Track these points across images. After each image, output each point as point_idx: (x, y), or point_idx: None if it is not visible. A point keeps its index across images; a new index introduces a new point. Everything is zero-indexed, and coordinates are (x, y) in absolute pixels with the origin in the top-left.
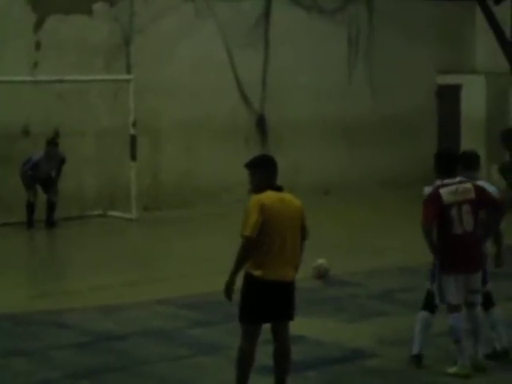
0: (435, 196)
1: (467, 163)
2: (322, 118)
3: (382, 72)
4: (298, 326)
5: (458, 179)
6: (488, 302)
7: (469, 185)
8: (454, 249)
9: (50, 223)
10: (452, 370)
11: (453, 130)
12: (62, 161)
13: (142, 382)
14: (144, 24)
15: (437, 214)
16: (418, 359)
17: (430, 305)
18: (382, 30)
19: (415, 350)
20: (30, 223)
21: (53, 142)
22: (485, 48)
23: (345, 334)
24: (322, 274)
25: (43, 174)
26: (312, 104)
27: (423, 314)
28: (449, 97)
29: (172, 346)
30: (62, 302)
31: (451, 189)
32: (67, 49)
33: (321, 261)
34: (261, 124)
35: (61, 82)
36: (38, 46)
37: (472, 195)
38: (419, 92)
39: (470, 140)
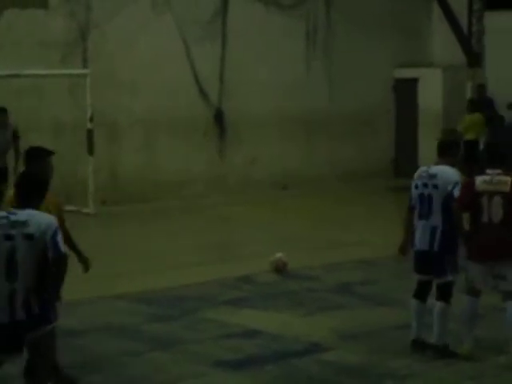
0: (469, 183)
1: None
2: (281, 112)
3: (340, 66)
4: (255, 319)
5: (498, 171)
6: None
7: (507, 178)
8: (479, 236)
9: None
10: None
11: (410, 123)
12: (15, 132)
13: (100, 377)
14: (101, 18)
15: (468, 200)
16: (416, 343)
17: (421, 293)
18: (339, 24)
19: (413, 336)
20: None
21: (2, 110)
22: (442, 41)
23: (302, 327)
24: (279, 268)
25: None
26: (270, 98)
27: (415, 301)
28: (406, 90)
29: (130, 341)
30: None
31: (486, 178)
32: (24, 43)
33: (278, 255)
34: (219, 118)
35: (17, 76)
36: None
37: (506, 188)
38: (377, 86)
39: (427, 134)
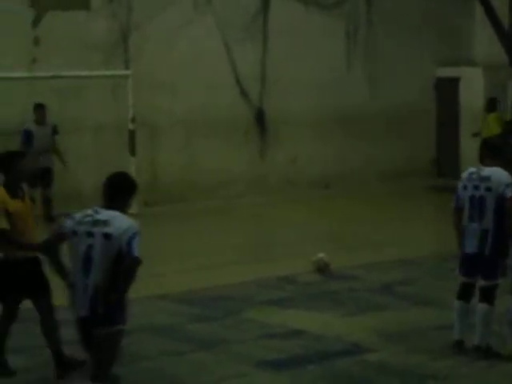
0: None
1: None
2: (321, 111)
3: (381, 65)
4: (297, 319)
5: None
6: None
7: None
8: None
9: (49, 218)
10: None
11: (451, 122)
12: (54, 129)
13: (142, 377)
14: (142, 19)
15: None
16: (459, 344)
17: (465, 295)
18: (380, 23)
19: (457, 336)
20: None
21: (39, 106)
22: (483, 40)
23: (344, 327)
24: (321, 268)
25: (40, 147)
26: (311, 97)
27: (459, 303)
28: (447, 89)
29: (172, 341)
30: (62, 298)
31: None
32: (65, 45)
33: (320, 255)
34: (259, 118)
35: (59, 77)
36: (36, 41)
37: None
38: (418, 85)
39: (469, 133)
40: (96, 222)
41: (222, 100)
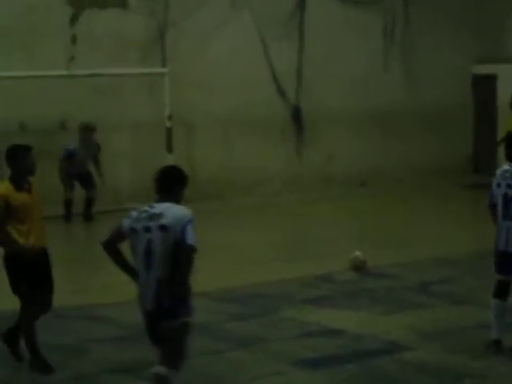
0: None
1: None
2: (358, 108)
3: (418, 62)
4: (335, 318)
5: None
6: None
7: None
8: None
9: (88, 217)
10: None
11: (489, 120)
12: (98, 148)
13: (182, 376)
14: (179, 17)
15: None
16: (497, 344)
17: (501, 293)
18: (417, 20)
19: (495, 336)
20: (68, 218)
21: (88, 128)
22: None
23: (381, 326)
24: (358, 266)
25: (80, 164)
26: (348, 95)
27: (495, 301)
28: (485, 86)
29: (210, 339)
30: (100, 296)
31: None
32: (103, 43)
33: (357, 253)
34: (296, 116)
35: (97, 75)
36: (73, 40)
37: None
38: (455, 82)
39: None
40: (152, 216)
41: (258, 98)
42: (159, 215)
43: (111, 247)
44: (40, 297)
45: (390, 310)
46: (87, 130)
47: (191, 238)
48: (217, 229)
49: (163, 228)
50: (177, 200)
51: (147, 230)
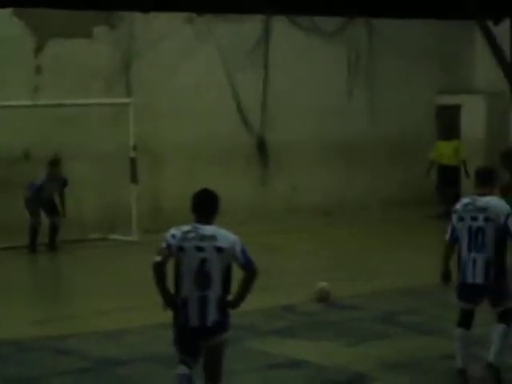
0: None
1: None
2: (323, 139)
3: (382, 93)
4: (299, 349)
5: None
6: None
7: None
8: None
9: (52, 246)
10: None
11: None
12: (65, 182)
13: None
14: (144, 47)
15: None
16: (462, 373)
17: (464, 322)
18: (381, 50)
19: (459, 365)
20: (32, 248)
21: (55, 163)
22: (484, 68)
23: (347, 357)
24: (323, 297)
25: (46, 197)
26: (312, 125)
27: (459, 330)
28: (448, 117)
29: (170, 370)
30: (63, 327)
31: None
32: (68, 73)
33: (322, 284)
34: (261, 146)
35: (61, 106)
36: (38, 70)
37: None
38: (419, 112)
39: (470, 160)
40: (203, 237)
41: (223, 128)
42: (212, 237)
43: (162, 267)
44: None
45: (354, 341)
46: (54, 164)
47: (253, 260)
48: None
49: (219, 250)
50: (213, 222)
51: (200, 249)
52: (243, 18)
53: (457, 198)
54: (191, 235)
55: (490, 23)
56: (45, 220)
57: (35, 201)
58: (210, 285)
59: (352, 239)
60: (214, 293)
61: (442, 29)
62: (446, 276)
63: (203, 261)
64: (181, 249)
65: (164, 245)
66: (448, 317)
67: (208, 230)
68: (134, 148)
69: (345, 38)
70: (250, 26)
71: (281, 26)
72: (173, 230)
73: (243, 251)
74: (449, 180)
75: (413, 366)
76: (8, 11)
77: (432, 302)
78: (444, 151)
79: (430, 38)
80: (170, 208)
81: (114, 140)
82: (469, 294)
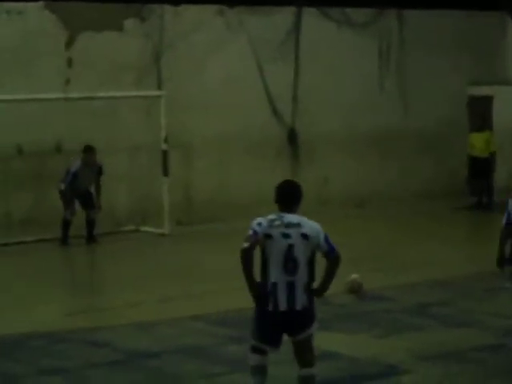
0: None
1: None
2: (354, 130)
3: (413, 84)
4: (331, 341)
5: None
6: None
7: None
8: None
9: (91, 239)
10: None
11: None
12: (100, 170)
13: None
14: (175, 39)
15: None
16: None
17: None
18: (412, 42)
19: None
20: (64, 240)
21: (89, 149)
22: None
23: (379, 349)
24: (355, 289)
25: (82, 187)
26: (343, 117)
27: None
28: (480, 108)
29: (206, 363)
30: (95, 319)
31: None
32: (99, 65)
33: (354, 276)
34: (292, 138)
35: (92, 98)
36: (69, 63)
37: None
38: (450, 103)
39: (503, 150)
40: (289, 224)
41: (254, 120)
42: (298, 224)
43: (250, 253)
44: None
45: (386, 332)
46: (88, 150)
47: (335, 247)
48: (214, 252)
49: (305, 236)
50: (296, 211)
51: (286, 236)
52: (274, 9)
53: (487, 189)
54: (277, 223)
55: None
56: (79, 214)
57: (70, 191)
58: (297, 270)
59: (383, 231)
60: (300, 278)
61: (474, 20)
62: (501, 261)
63: (290, 247)
64: (268, 236)
65: (251, 232)
66: (479, 307)
67: (293, 218)
68: (166, 140)
69: (376, 30)
70: (280, 17)
71: (311, 17)
72: (259, 219)
73: (326, 239)
74: (479, 172)
75: (444, 357)
76: (40, 4)
77: (463, 293)
78: (475, 143)
79: (462, 29)
80: (202, 200)
81: (146, 133)
82: None
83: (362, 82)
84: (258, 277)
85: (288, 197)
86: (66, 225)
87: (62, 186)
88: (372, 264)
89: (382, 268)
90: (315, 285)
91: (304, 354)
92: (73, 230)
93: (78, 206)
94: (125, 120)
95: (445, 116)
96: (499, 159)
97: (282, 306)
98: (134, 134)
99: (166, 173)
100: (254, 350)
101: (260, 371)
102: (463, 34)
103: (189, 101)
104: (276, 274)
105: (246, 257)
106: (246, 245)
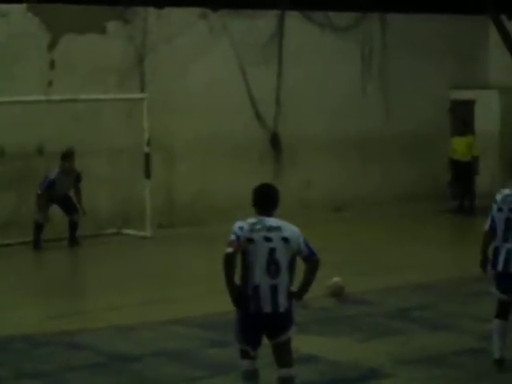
0: None
1: None
2: (336, 134)
3: (396, 88)
4: (312, 345)
5: None
6: None
7: None
8: None
9: (73, 242)
10: None
11: None
12: (78, 176)
13: None
14: (158, 42)
15: None
16: (499, 363)
17: (502, 313)
18: (395, 46)
19: (497, 355)
20: (36, 244)
21: (68, 156)
22: (498, 63)
23: (360, 353)
24: (337, 293)
25: (60, 193)
26: (326, 121)
27: (497, 321)
28: (462, 112)
29: (187, 366)
30: (76, 322)
31: None
32: (81, 68)
33: (336, 279)
34: (275, 141)
35: (75, 101)
36: (52, 65)
37: None
38: (432, 107)
39: (484, 155)
40: (270, 228)
41: (237, 124)
42: (278, 228)
43: (234, 258)
44: None
45: (368, 336)
46: (66, 157)
47: (315, 251)
48: (196, 255)
49: (286, 240)
50: (273, 215)
51: (268, 239)
52: (257, 13)
53: (469, 193)
54: (258, 226)
55: (504, 18)
56: (56, 215)
57: (47, 197)
58: (279, 274)
59: (365, 234)
60: (282, 281)
61: (456, 24)
62: (484, 264)
63: (272, 250)
64: (250, 240)
65: (233, 237)
66: (461, 311)
67: (273, 221)
68: (148, 143)
69: (359, 34)
70: (263, 21)
71: (295, 21)
72: (239, 223)
73: (306, 242)
74: (461, 176)
75: (425, 361)
76: (23, 7)
77: (444, 297)
78: (457, 147)
79: (444, 34)
80: (184, 203)
81: (128, 135)
82: (504, 284)
83: (345, 86)
84: (237, 280)
85: (265, 200)
86: (39, 228)
87: (39, 191)
88: (354, 267)
89: (364, 271)
90: (294, 288)
91: (284, 355)
92: (54, 232)
93: (59, 210)
94: (107, 122)
95: (427, 120)
96: (482, 163)
97: (267, 308)
98: (117, 136)
99: (148, 175)
100: (243, 355)
101: (252, 376)
102: (446, 38)
103: (171, 104)
104: (259, 277)
105: (229, 262)
106: (229, 250)
